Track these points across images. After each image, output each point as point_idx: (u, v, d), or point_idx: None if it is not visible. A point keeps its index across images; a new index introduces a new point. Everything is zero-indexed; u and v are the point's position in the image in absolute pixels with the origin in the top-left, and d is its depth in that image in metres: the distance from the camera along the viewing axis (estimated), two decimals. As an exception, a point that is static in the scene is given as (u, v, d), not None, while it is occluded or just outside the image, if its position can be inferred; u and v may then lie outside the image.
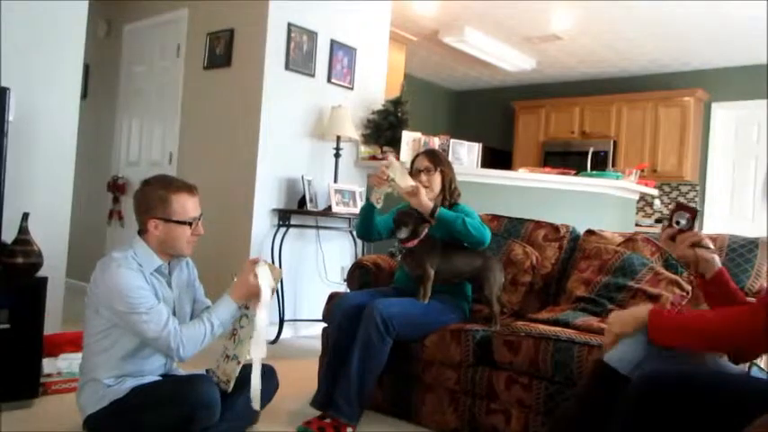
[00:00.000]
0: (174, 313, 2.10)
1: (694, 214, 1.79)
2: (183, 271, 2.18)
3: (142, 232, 2.05)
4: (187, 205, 2.05)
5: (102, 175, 5.49)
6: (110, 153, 5.57)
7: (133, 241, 2.05)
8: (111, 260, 1.97)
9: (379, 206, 2.74)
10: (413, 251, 2.69)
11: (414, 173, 2.88)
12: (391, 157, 2.64)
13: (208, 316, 2.02)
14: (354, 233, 3.83)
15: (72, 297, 3.55)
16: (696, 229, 1.80)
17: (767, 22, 5.20)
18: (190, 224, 2.05)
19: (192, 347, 1.97)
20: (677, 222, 1.79)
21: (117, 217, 5.34)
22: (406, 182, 2.65)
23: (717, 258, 1.82)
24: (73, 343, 2.85)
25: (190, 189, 2.09)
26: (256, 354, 2.06)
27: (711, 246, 1.80)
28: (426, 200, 2.67)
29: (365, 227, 2.86)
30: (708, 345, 1.65)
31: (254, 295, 2.07)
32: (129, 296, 1.90)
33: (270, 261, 4.08)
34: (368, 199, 2.78)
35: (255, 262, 2.11)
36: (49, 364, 2.83)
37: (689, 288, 2.56)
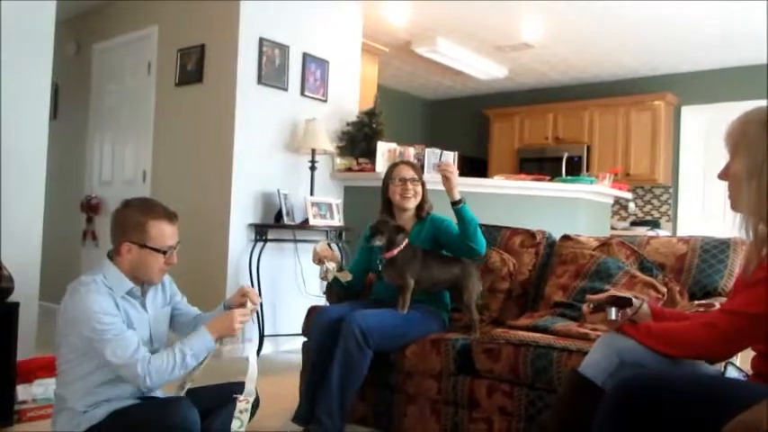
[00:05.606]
0: (151, 335, 2.06)
1: (626, 305, 1.81)
2: (158, 292, 2.14)
3: (113, 255, 2.01)
4: (165, 233, 1.99)
5: (76, 196, 5.42)
6: (82, 173, 5.50)
7: (103, 264, 1.99)
8: (79, 284, 1.92)
9: (329, 280, 2.82)
10: (393, 261, 2.69)
11: (398, 182, 2.88)
12: (316, 247, 2.82)
13: (181, 346, 1.94)
14: (332, 246, 3.81)
15: (47, 320, 3.48)
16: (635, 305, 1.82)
17: (766, 27, 5.28)
18: (165, 252, 2.00)
19: (160, 377, 1.89)
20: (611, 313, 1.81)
21: (91, 237, 5.27)
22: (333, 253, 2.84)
23: (644, 307, 1.84)
24: (47, 368, 2.78)
25: (170, 217, 2.03)
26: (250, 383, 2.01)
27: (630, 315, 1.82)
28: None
29: (345, 289, 2.94)
30: (674, 352, 1.68)
31: (230, 332, 2.03)
32: (97, 321, 1.85)
33: (249, 282, 4.06)
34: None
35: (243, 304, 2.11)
36: (23, 391, 2.77)
37: (664, 290, 2.60)
